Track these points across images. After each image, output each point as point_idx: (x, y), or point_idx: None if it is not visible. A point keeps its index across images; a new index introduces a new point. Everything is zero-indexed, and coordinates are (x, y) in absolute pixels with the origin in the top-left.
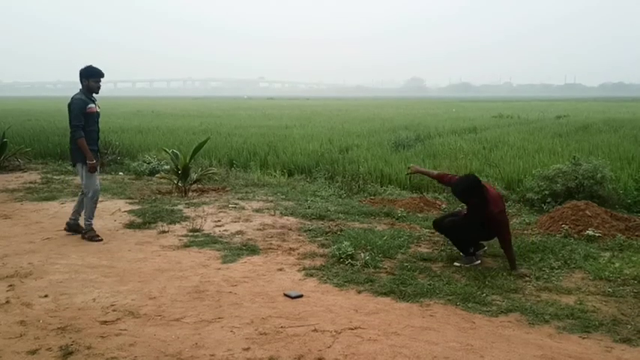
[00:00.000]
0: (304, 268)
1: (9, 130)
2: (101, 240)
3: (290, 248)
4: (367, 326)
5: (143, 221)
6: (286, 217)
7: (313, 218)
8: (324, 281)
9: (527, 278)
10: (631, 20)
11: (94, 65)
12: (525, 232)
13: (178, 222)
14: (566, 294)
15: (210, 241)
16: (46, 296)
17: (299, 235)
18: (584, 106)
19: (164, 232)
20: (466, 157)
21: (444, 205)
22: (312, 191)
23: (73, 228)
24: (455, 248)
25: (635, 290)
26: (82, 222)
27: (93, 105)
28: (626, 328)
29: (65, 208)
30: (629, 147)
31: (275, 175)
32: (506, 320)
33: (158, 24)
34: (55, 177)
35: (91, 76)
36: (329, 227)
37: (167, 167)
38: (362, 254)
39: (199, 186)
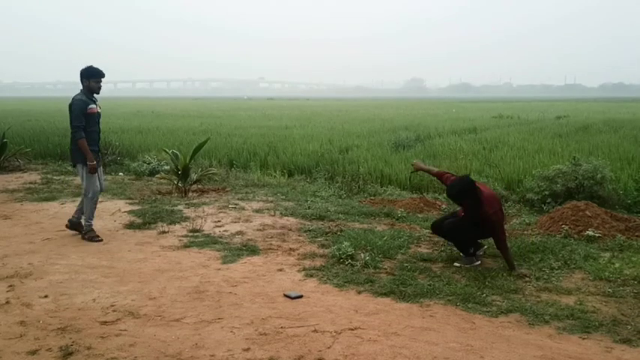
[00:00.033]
0: (304, 269)
1: (9, 131)
2: (101, 240)
3: (290, 249)
4: (367, 327)
5: (143, 222)
6: (286, 218)
7: (313, 219)
8: (324, 282)
9: (527, 278)
10: (631, 20)
11: (95, 65)
12: (525, 232)
13: (178, 222)
14: (566, 294)
15: (210, 241)
16: (46, 297)
17: (299, 236)
18: (584, 107)
19: (164, 232)
20: (466, 158)
21: (444, 206)
22: (312, 192)
23: (74, 226)
24: (455, 249)
25: (635, 291)
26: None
27: (94, 105)
28: (626, 329)
29: (65, 209)
30: (629, 147)
31: (275, 176)
32: (506, 321)
33: (158, 24)
34: (55, 177)
35: (91, 77)
36: (329, 228)
37: (167, 168)
38: (362, 255)
39: (199, 186)
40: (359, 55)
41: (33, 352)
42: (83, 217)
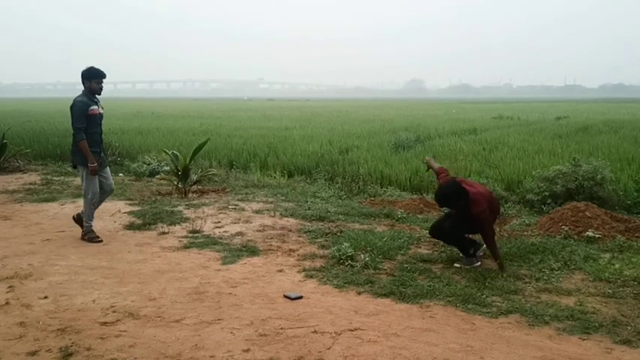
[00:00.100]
0: (304, 270)
1: (9, 132)
2: (101, 241)
3: (290, 249)
4: (367, 327)
5: (143, 222)
6: (286, 219)
7: (313, 219)
8: (323, 282)
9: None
10: (631, 20)
11: (95, 66)
12: (525, 233)
13: (178, 223)
14: (566, 295)
15: (210, 242)
16: (45, 297)
17: (299, 237)
18: (584, 108)
19: (164, 233)
20: (466, 158)
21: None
22: (312, 192)
23: (80, 221)
24: (454, 249)
25: (635, 291)
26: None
27: (95, 107)
28: (626, 330)
29: (65, 210)
30: (629, 148)
31: (275, 177)
32: (506, 321)
33: (158, 25)
34: (54, 178)
35: (92, 78)
36: (329, 228)
37: (167, 168)
38: (362, 255)
39: (199, 187)
40: (359, 56)
41: (33, 353)
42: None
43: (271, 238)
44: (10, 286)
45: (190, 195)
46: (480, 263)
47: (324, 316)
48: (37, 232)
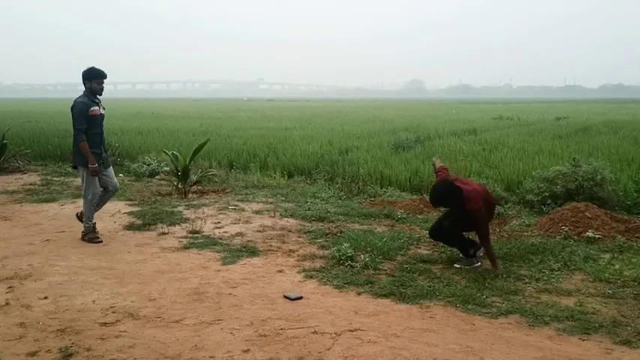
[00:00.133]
0: (304, 270)
1: (9, 132)
2: (101, 242)
3: (290, 250)
4: (367, 328)
5: (143, 223)
6: (286, 219)
7: (313, 220)
8: (323, 283)
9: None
10: (631, 20)
11: (96, 67)
12: (525, 233)
13: (178, 224)
14: (566, 296)
15: (209, 242)
16: (45, 298)
17: (299, 237)
18: (583, 108)
19: (164, 233)
20: (466, 159)
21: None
22: (311, 193)
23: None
24: (454, 250)
25: (635, 292)
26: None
27: (96, 107)
28: (626, 330)
29: (65, 210)
30: (628, 148)
31: (275, 177)
32: (506, 322)
33: (158, 25)
34: (54, 179)
35: (93, 78)
36: (329, 229)
37: (167, 169)
38: (362, 256)
39: (199, 187)
40: (359, 56)
41: (32, 354)
42: (99, 210)
43: (271, 238)
44: (10, 287)
45: (190, 195)
46: (480, 264)
47: (324, 316)
48: (36, 233)
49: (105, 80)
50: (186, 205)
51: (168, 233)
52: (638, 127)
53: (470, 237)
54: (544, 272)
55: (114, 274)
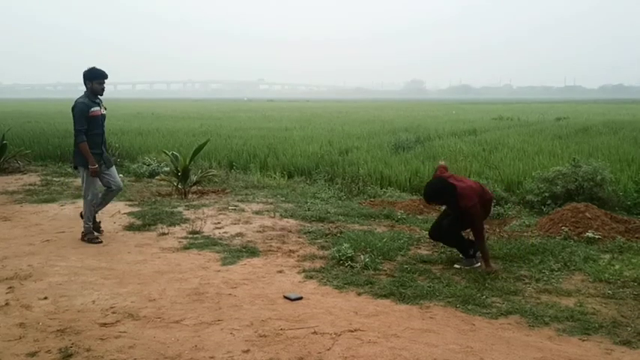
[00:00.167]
0: (304, 270)
1: (9, 132)
2: (101, 242)
3: (290, 250)
4: (367, 328)
5: (143, 223)
6: (286, 219)
7: (313, 220)
8: (323, 283)
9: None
10: (631, 20)
11: (97, 67)
12: (525, 234)
13: (178, 224)
14: (566, 296)
15: (209, 243)
16: (45, 298)
17: (299, 237)
18: (583, 108)
19: (164, 234)
20: (466, 159)
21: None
22: (311, 193)
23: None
24: (454, 250)
25: (635, 292)
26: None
27: (97, 108)
28: (626, 331)
29: (65, 211)
30: (628, 149)
31: (275, 177)
32: (506, 322)
33: (158, 25)
34: (54, 179)
35: (94, 79)
36: (329, 229)
37: (167, 169)
38: (362, 256)
39: (199, 188)
40: (359, 56)
41: (32, 354)
42: (102, 210)
43: (271, 239)
44: (10, 287)
45: (190, 196)
46: (479, 264)
47: (324, 316)
48: (36, 233)
49: (106, 80)
50: (186, 206)
51: (168, 234)
52: (638, 128)
53: (470, 237)
54: (544, 273)
55: (114, 274)
